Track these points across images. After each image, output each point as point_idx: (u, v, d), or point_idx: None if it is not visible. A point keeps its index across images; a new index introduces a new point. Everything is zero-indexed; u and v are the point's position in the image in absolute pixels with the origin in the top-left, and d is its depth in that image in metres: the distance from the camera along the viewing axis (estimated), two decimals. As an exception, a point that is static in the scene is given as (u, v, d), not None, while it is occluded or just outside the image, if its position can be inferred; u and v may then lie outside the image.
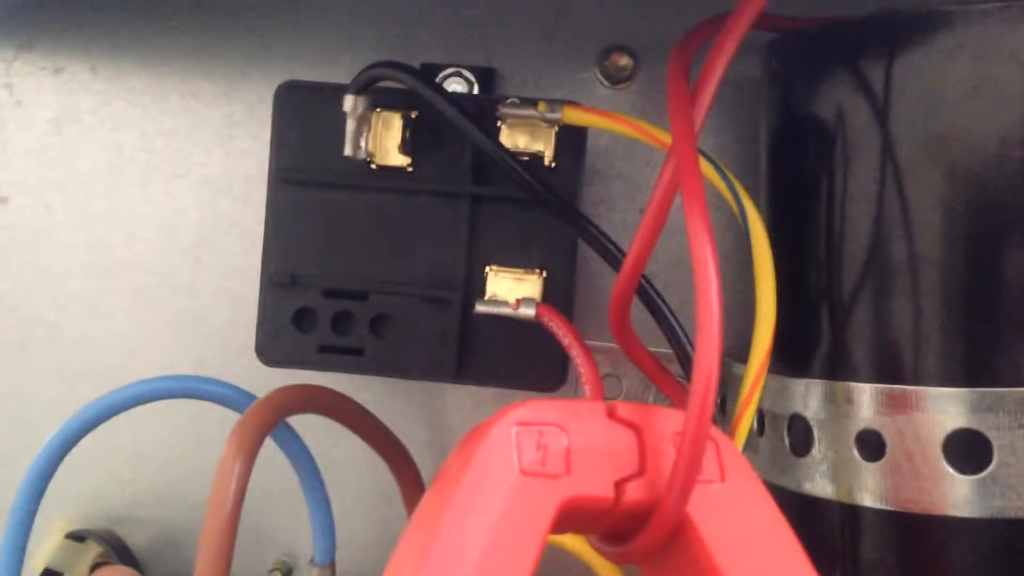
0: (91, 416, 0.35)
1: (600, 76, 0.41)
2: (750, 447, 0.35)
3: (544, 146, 0.36)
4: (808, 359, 0.33)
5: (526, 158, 0.36)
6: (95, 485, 0.44)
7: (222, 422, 0.35)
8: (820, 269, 0.33)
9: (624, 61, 0.41)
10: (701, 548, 0.25)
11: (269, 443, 0.36)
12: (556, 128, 0.36)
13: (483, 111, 0.36)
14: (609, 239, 0.35)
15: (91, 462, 0.43)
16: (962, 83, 0.30)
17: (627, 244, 0.31)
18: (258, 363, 0.37)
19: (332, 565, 0.37)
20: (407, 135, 0.36)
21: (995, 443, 0.29)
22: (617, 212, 0.41)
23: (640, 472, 0.25)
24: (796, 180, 0.34)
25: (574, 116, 0.35)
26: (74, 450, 0.36)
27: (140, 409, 0.36)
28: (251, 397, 0.35)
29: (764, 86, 0.36)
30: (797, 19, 0.35)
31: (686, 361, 0.34)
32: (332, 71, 0.40)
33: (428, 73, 0.40)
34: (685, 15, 0.34)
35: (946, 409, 0.29)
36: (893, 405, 0.30)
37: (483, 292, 0.36)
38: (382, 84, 0.36)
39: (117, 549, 0.43)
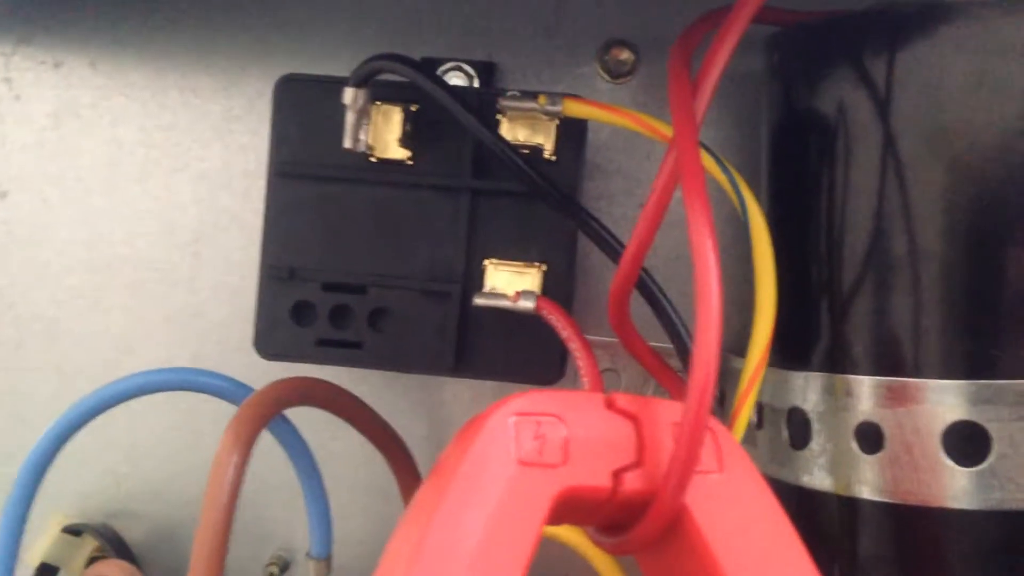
0: (86, 409, 0.35)
1: (601, 70, 0.41)
2: (749, 440, 0.35)
3: (545, 139, 0.36)
4: (808, 352, 0.33)
5: (526, 151, 0.36)
6: (92, 480, 0.44)
7: (219, 417, 0.35)
8: (821, 262, 0.33)
9: (625, 55, 0.41)
10: (698, 539, 0.25)
11: (268, 437, 0.36)
12: (557, 121, 0.36)
13: (483, 104, 0.36)
14: (609, 232, 0.34)
15: (88, 457, 0.43)
16: (963, 76, 0.30)
17: (627, 238, 0.31)
18: (257, 358, 0.37)
19: (329, 558, 0.37)
20: (407, 128, 0.36)
21: (994, 435, 0.29)
22: (617, 206, 0.41)
23: (638, 462, 0.25)
24: (797, 173, 0.34)
25: (575, 109, 0.35)
26: (71, 445, 0.36)
27: (137, 404, 0.36)
28: (248, 390, 0.35)
29: (765, 79, 0.36)
30: (799, 12, 0.35)
31: (686, 355, 0.34)
32: (332, 66, 0.40)
33: (428, 67, 0.40)
34: (686, 9, 0.34)
35: (945, 401, 0.29)
36: (892, 397, 0.30)
37: (482, 286, 0.36)
38: (382, 77, 0.35)
39: (114, 543, 0.43)
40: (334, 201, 0.37)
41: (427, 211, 0.37)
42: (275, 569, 0.43)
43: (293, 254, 0.37)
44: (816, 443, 0.32)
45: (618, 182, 0.41)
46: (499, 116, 0.36)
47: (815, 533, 0.32)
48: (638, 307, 0.34)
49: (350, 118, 0.35)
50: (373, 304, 0.37)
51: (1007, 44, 0.29)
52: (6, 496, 0.36)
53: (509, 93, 0.35)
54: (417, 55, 0.41)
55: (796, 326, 0.33)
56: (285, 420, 0.36)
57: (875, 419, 0.30)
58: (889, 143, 0.31)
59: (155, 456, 0.44)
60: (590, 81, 0.41)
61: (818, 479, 0.32)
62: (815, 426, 0.32)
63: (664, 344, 0.35)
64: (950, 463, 0.29)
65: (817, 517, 0.32)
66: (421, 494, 0.25)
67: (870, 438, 0.30)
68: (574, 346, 0.35)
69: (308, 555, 0.37)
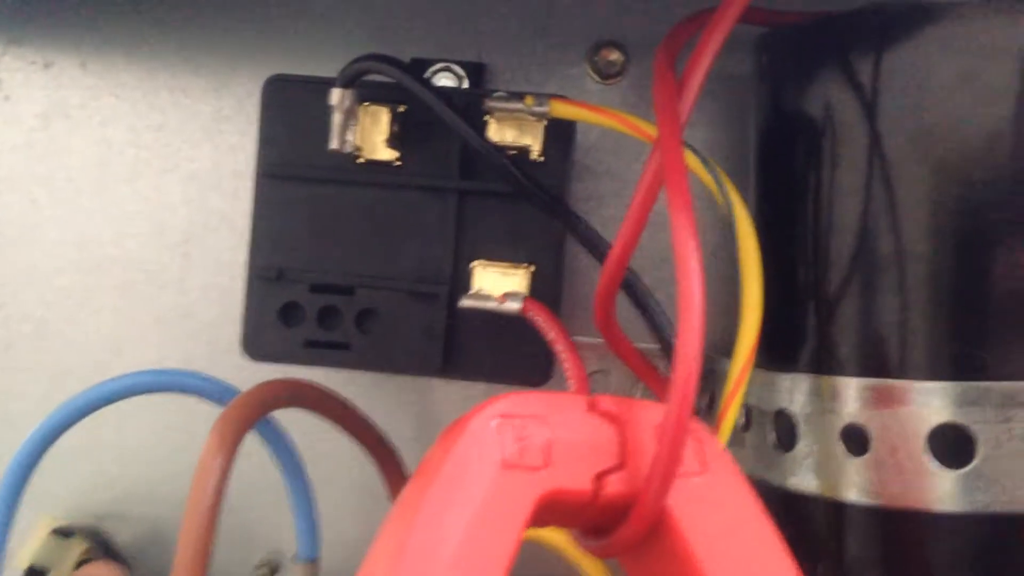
0: (73, 411, 0.35)
1: (591, 71, 0.41)
2: (737, 442, 0.35)
3: (532, 140, 0.36)
4: (794, 353, 0.33)
5: (514, 152, 0.36)
6: (81, 482, 0.44)
7: (210, 419, 0.34)
8: (807, 263, 0.33)
9: (614, 56, 0.41)
10: (681, 541, 0.25)
11: (259, 439, 0.36)
12: (544, 122, 0.36)
13: (471, 105, 0.36)
14: (596, 233, 0.34)
15: (77, 459, 0.43)
16: (949, 77, 0.30)
17: (616, 240, 0.31)
18: (247, 359, 0.37)
19: (316, 561, 0.37)
20: (395, 129, 0.36)
21: (979, 437, 0.28)
22: (607, 208, 0.41)
23: (621, 465, 0.25)
24: (784, 174, 0.34)
25: (561, 110, 0.35)
26: (60, 447, 0.36)
27: (128, 405, 0.36)
28: (235, 392, 0.35)
29: (754, 80, 0.36)
30: (786, 13, 0.35)
31: (672, 356, 0.33)
32: (323, 66, 0.40)
33: (418, 68, 0.40)
34: (676, 9, 0.34)
35: (930, 403, 0.29)
36: (878, 399, 0.30)
37: (470, 287, 0.36)
38: (370, 78, 0.35)
39: (103, 545, 0.43)
40: (322, 202, 0.37)
41: (415, 212, 0.37)
42: (265, 572, 0.43)
43: (281, 255, 0.37)
44: (802, 445, 0.32)
45: (607, 183, 0.41)
46: (487, 117, 0.36)
47: (802, 535, 0.32)
48: (628, 309, 0.34)
49: (336, 119, 0.35)
50: (361, 305, 0.37)
51: (992, 45, 0.29)
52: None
53: (496, 94, 0.35)
54: (407, 56, 0.41)
55: (783, 327, 0.33)
56: (272, 422, 0.36)
57: (861, 421, 0.30)
58: (875, 144, 0.31)
59: (145, 458, 0.44)
60: (580, 82, 0.41)
61: (805, 481, 0.32)
62: (801, 428, 0.32)
63: (652, 345, 0.34)
64: (935, 466, 0.29)
65: (804, 519, 0.32)
66: (404, 495, 0.25)
67: (856, 440, 0.30)
68: (560, 347, 0.35)
69: (294, 558, 0.37)
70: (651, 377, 0.35)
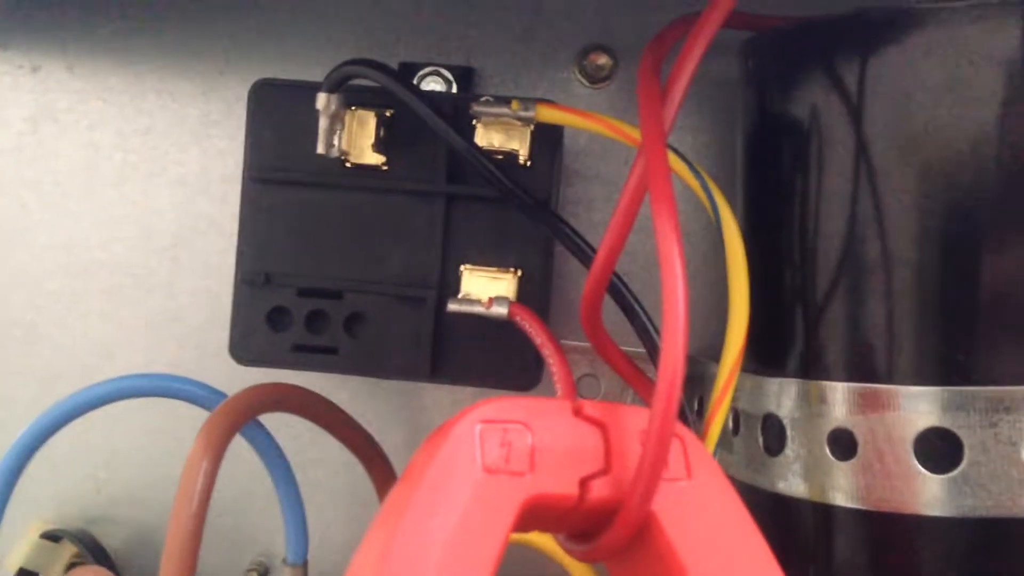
0: (62, 414, 0.35)
1: (579, 75, 0.41)
2: (726, 446, 0.35)
3: (519, 145, 0.36)
4: (782, 358, 0.33)
5: (500, 157, 0.36)
6: (71, 485, 0.44)
7: (197, 423, 0.34)
8: (795, 268, 0.33)
9: (603, 60, 0.41)
10: (666, 546, 0.25)
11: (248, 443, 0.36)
12: (531, 127, 0.35)
13: (458, 110, 0.36)
14: (582, 238, 0.34)
15: (67, 462, 0.43)
16: (935, 82, 0.30)
17: (604, 245, 0.31)
18: (235, 364, 0.37)
19: (304, 565, 0.37)
20: (382, 134, 0.36)
21: (966, 442, 0.28)
22: (596, 212, 0.41)
23: (605, 470, 0.25)
24: (771, 179, 0.34)
25: (548, 114, 0.35)
26: (50, 450, 0.36)
27: (116, 410, 0.36)
28: (222, 396, 0.35)
29: (740, 85, 0.36)
30: (772, 18, 0.35)
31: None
32: (311, 71, 0.40)
33: (406, 72, 0.40)
34: (664, 14, 0.34)
35: (917, 408, 0.29)
36: (865, 404, 0.30)
37: (458, 291, 0.36)
38: (357, 82, 0.35)
39: (92, 549, 0.43)
40: (310, 206, 0.37)
41: (402, 216, 0.37)
42: (254, 574, 0.43)
43: (269, 260, 0.37)
44: (790, 449, 0.32)
45: (596, 188, 0.41)
46: (475, 122, 0.36)
47: (790, 540, 0.32)
48: (616, 313, 0.34)
49: (323, 123, 0.35)
50: (349, 309, 0.37)
51: (977, 50, 0.29)
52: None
53: (483, 99, 0.35)
54: (395, 60, 0.41)
55: (771, 332, 0.33)
56: (259, 426, 0.36)
57: (848, 426, 0.30)
58: (861, 149, 0.31)
59: (134, 462, 0.44)
60: (568, 86, 0.41)
61: (793, 486, 0.32)
62: (789, 432, 0.32)
63: (640, 349, 0.34)
64: (922, 470, 0.29)
65: (792, 524, 0.32)
66: (389, 501, 0.25)
67: (843, 445, 0.30)
68: (547, 352, 0.34)
69: (284, 561, 0.37)
70: (639, 381, 0.35)
